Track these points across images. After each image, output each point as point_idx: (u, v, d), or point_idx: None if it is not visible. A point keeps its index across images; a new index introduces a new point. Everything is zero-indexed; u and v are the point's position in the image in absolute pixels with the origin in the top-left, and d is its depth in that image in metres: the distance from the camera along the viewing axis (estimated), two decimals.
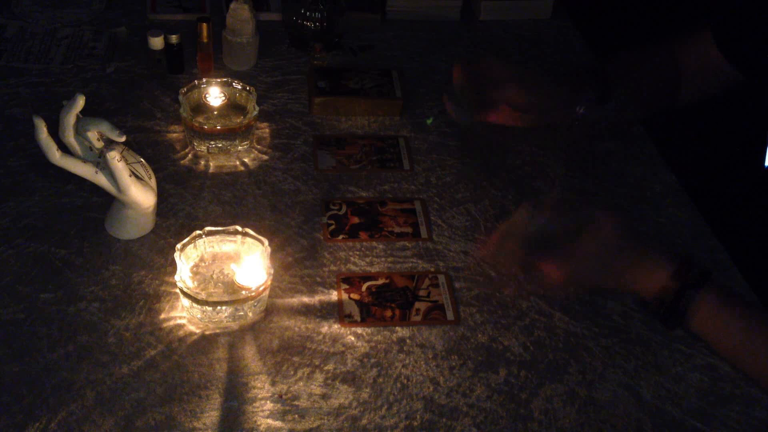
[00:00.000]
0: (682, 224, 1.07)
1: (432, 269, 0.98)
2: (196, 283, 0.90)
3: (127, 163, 0.91)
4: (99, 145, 0.92)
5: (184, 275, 0.87)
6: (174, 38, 1.23)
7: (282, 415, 0.80)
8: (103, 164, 0.91)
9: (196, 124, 1.09)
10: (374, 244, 1.00)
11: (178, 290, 0.89)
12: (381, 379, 0.85)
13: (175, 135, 1.14)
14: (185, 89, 1.12)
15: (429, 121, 1.20)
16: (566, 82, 1.07)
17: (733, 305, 0.86)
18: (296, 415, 0.81)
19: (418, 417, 0.82)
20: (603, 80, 1.06)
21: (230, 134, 1.10)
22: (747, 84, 1.05)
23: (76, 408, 0.79)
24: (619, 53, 1.10)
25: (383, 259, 0.99)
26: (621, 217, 0.90)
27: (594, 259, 0.87)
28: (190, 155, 1.11)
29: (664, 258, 0.86)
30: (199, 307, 0.87)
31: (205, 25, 1.22)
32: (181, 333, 0.87)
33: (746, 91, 1.06)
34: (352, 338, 0.89)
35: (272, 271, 0.89)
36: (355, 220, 1.03)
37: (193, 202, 1.04)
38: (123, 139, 0.89)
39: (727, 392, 0.86)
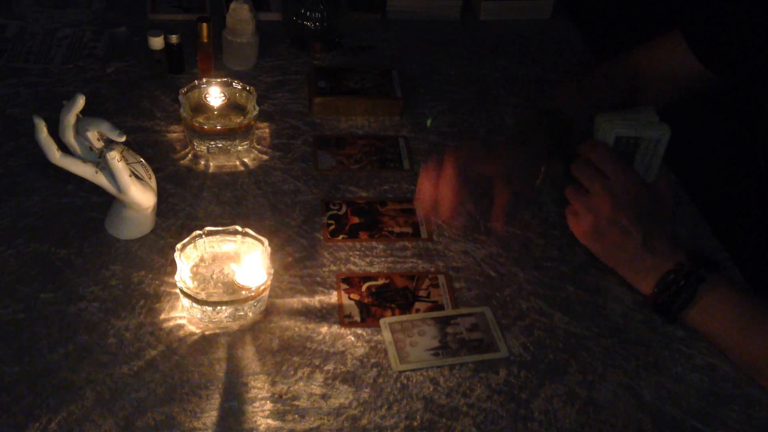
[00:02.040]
0: (682, 224, 1.07)
1: (432, 269, 0.98)
2: (196, 283, 0.90)
3: (127, 163, 0.91)
4: (99, 145, 0.92)
5: (184, 275, 0.87)
6: (174, 38, 1.24)
7: (282, 415, 0.80)
8: (103, 164, 0.91)
9: (196, 124, 1.09)
10: (374, 244, 1.00)
11: (178, 290, 0.89)
12: (381, 379, 0.85)
13: (175, 135, 1.14)
14: (185, 89, 1.12)
15: (429, 123, 1.20)
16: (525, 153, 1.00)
17: (740, 292, 0.88)
18: (296, 415, 0.81)
19: (418, 417, 0.82)
20: (568, 152, 0.98)
21: (230, 134, 1.10)
22: (725, 84, 1.05)
23: (76, 408, 0.79)
24: (570, 84, 1.07)
25: (383, 259, 0.99)
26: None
27: (645, 209, 0.90)
28: (190, 155, 1.11)
29: (680, 247, 0.91)
30: (199, 307, 0.87)
31: (205, 25, 1.22)
32: (181, 333, 0.87)
33: (745, 90, 1.06)
34: (352, 338, 0.89)
35: (272, 271, 0.89)
36: (355, 220, 1.03)
37: (193, 202, 1.04)
38: (123, 139, 0.89)
39: (727, 392, 0.86)
